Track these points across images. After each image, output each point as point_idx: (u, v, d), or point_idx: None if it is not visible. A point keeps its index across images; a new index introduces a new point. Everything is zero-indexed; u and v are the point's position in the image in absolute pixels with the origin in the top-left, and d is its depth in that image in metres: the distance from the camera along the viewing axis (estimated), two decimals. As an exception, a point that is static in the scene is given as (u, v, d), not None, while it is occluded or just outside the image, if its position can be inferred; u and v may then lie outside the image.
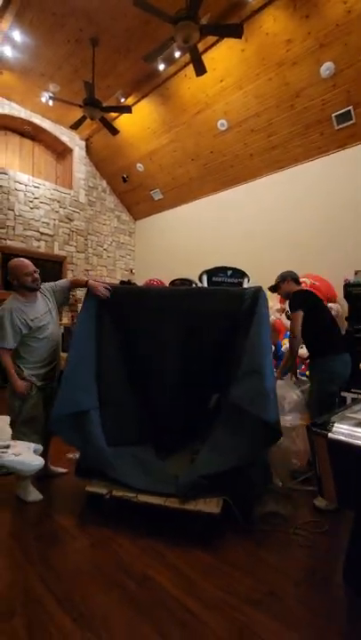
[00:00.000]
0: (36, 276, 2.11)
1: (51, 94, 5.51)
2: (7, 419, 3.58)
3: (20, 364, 2.10)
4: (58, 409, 1.95)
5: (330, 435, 1.32)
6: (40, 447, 1.08)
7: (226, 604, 1.36)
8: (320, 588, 1.48)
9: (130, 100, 5.71)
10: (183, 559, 1.60)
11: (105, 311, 2.20)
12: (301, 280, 4.78)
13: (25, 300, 2.09)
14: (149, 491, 1.83)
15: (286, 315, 4.78)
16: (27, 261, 2.12)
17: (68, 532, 1.79)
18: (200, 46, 4.41)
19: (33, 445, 1.08)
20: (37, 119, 6.32)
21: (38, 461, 0.99)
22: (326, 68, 4.27)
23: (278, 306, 4.96)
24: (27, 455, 1.00)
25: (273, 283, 2.82)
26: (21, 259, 2.15)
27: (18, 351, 2.10)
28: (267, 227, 5.77)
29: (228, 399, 1.87)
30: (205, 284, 3.74)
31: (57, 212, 6.71)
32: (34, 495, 2.05)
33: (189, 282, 5.12)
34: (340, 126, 4.64)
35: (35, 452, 1.03)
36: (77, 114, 5.32)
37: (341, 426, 1.34)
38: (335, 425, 1.35)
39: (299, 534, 1.79)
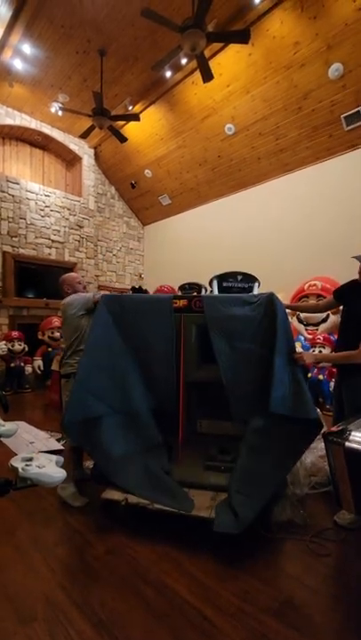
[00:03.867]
0: (85, 284, 2.67)
1: (60, 105, 5.61)
2: (24, 424, 3.65)
3: (74, 359, 2.29)
4: (69, 414, 1.98)
5: (347, 443, 1.32)
6: (61, 459, 1.10)
7: (243, 613, 1.37)
8: (338, 595, 1.47)
9: (137, 108, 5.78)
10: (199, 566, 1.61)
11: (118, 318, 2.24)
12: (312, 283, 4.79)
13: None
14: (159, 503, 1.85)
15: (298, 319, 4.75)
16: (76, 274, 2.71)
17: (85, 539, 1.82)
18: (207, 52, 4.45)
19: (55, 457, 1.10)
20: (47, 129, 6.44)
21: (61, 474, 1.01)
22: (335, 68, 4.25)
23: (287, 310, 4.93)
24: (50, 467, 1.02)
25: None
26: (71, 273, 2.73)
27: (74, 348, 2.33)
28: (276, 230, 5.75)
29: (269, 407, 1.82)
30: (216, 290, 3.75)
31: (67, 219, 6.81)
32: (80, 500, 2.17)
33: (198, 286, 5.13)
34: (351, 127, 4.60)
35: (57, 463, 1.05)
36: (86, 122, 5.41)
37: (358, 434, 1.34)
38: (352, 433, 1.34)
39: (315, 542, 1.78)
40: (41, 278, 6.30)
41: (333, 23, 3.97)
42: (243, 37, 3.51)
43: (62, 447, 2.84)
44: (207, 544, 1.74)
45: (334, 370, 2.28)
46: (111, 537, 1.82)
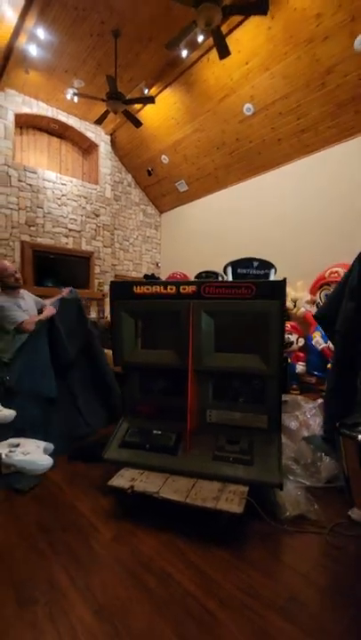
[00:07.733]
0: (17, 276, 2.52)
1: (75, 90, 5.56)
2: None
3: None
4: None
5: (360, 437, 1.23)
6: (51, 446, 1.08)
7: (245, 607, 1.32)
8: (345, 594, 1.40)
9: (153, 91, 5.64)
10: (204, 557, 1.58)
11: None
12: (333, 270, 4.58)
13: (8, 297, 2.44)
14: None
15: (317, 306, 4.57)
16: (7, 264, 2.50)
17: (92, 525, 1.82)
18: (224, 28, 4.25)
19: (43, 443, 1.08)
20: (63, 116, 6.41)
21: (47, 461, 0.99)
22: (361, 40, 3.96)
23: (308, 297, 4.76)
24: (36, 454, 1.00)
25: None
26: (2, 261, 2.53)
27: None
28: (295, 214, 5.52)
29: None
30: (230, 277, 3.65)
31: (84, 207, 6.82)
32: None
33: (215, 274, 5.04)
34: (377, 102, 4.31)
35: (45, 450, 1.03)
36: (101, 108, 5.34)
37: (372, 427, 1.25)
38: (365, 426, 1.25)
39: (327, 538, 1.70)
40: (59, 268, 6.38)
41: (360, -11, 3.67)
42: (261, 8, 3.31)
43: None
44: (212, 535, 1.70)
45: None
46: (117, 524, 1.82)
